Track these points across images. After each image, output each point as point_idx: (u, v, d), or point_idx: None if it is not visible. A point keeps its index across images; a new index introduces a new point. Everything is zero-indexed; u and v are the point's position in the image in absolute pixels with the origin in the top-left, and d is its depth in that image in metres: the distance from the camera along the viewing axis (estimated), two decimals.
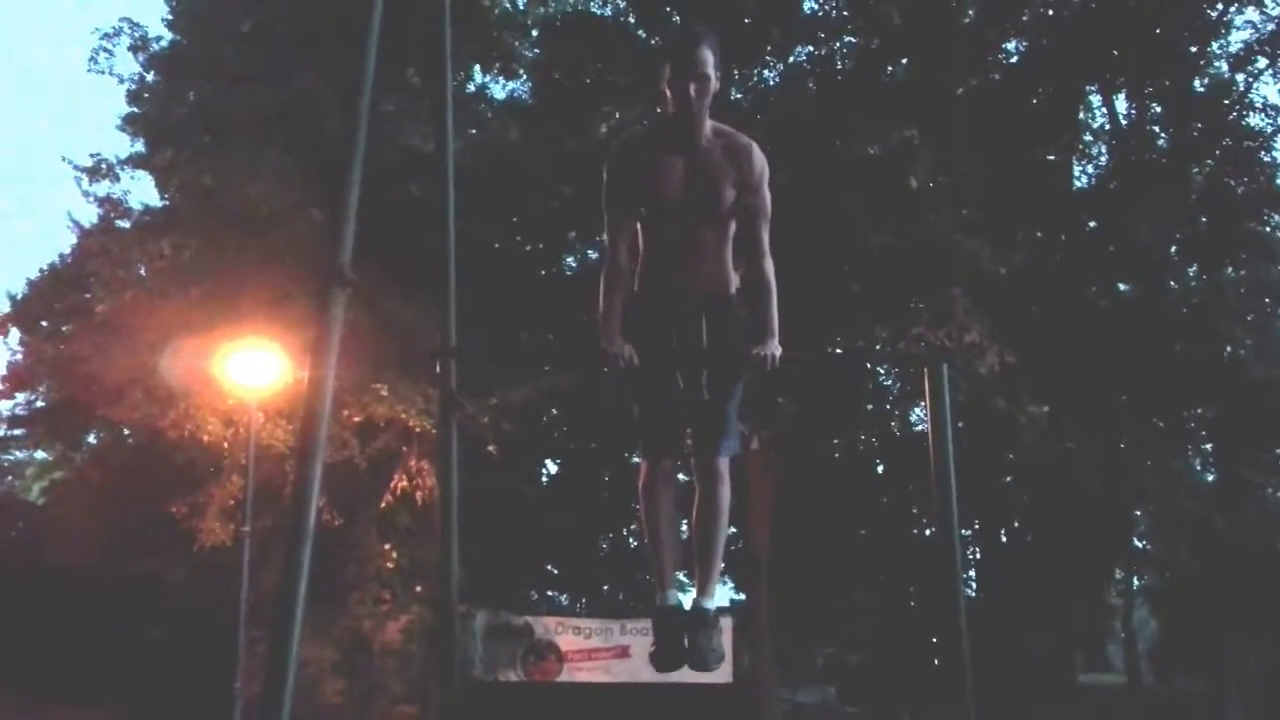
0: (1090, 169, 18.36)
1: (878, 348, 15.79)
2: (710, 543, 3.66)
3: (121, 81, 16.55)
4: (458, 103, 13.84)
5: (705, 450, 3.68)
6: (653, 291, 3.64)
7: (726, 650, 3.57)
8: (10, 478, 28.08)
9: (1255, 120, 16.58)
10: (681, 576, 3.94)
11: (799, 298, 13.68)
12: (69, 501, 21.52)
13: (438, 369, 4.31)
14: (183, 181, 14.36)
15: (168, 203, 15.88)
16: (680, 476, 3.89)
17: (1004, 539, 21.62)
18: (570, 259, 19.58)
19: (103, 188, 15.73)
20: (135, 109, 16.80)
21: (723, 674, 12.22)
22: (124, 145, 19.21)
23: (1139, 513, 16.39)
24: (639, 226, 3.67)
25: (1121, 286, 17.40)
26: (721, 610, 3.98)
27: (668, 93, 3.48)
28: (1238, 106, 16.58)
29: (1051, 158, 17.28)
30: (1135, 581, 27.72)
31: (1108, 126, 17.90)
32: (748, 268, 3.72)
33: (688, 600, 3.68)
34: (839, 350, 18.14)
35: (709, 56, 3.44)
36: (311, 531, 3.24)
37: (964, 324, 11.72)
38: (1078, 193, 17.54)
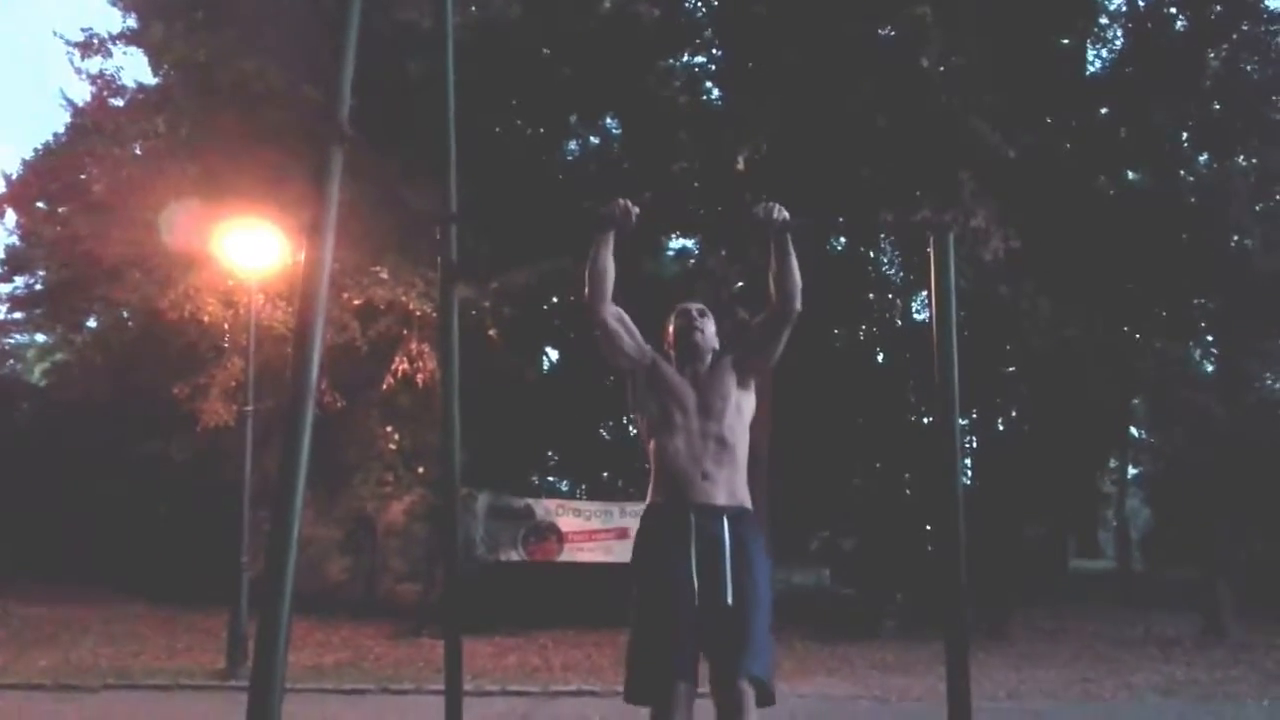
0: (1105, 53, 17.95)
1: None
2: None
3: None
4: None
5: (729, 670, 3.16)
6: (669, 501, 3.44)
7: None
8: (12, 361, 28.21)
9: (1275, 2, 16.20)
10: None
11: (806, 181, 13.56)
12: (72, 384, 21.66)
13: (438, 235, 4.23)
14: (176, 57, 14.05)
15: (161, 80, 15.57)
16: None
17: (1001, 428, 21.81)
18: (572, 143, 19.32)
19: (95, 64, 15.39)
20: None
21: None
22: (116, 21, 18.79)
23: (1136, 401, 16.45)
24: (651, 437, 3.59)
25: (1131, 175, 17.17)
26: None
27: (671, 339, 3.70)
28: None
29: (1066, 41, 16.87)
30: (1130, 470, 28.12)
31: (1125, 9, 17.45)
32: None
33: None
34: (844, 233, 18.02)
35: (699, 307, 3.78)
36: (311, 409, 3.23)
37: (970, 208, 11.60)
38: (1091, 78, 17.17)
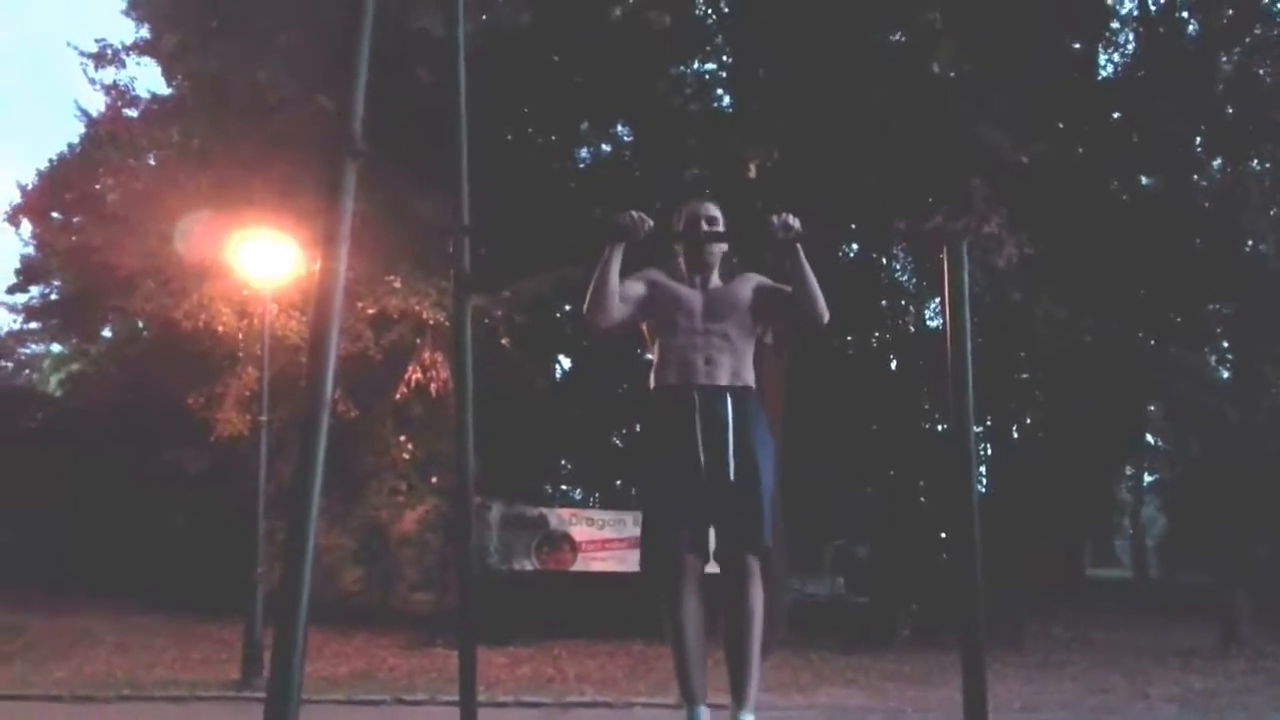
0: (1117, 58, 17.90)
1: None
2: (744, 650, 3.37)
3: None
4: None
5: (736, 543, 3.39)
6: (672, 383, 3.51)
7: None
8: (28, 371, 28.36)
9: None
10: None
11: (818, 188, 13.53)
12: (87, 394, 21.77)
13: (451, 248, 4.22)
14: (190, 68, 14.13)
15: (174, 90, 15.67)
16: None
17: (1015, 436, 21.72)
18: (583, 151, 19.36)
19: (109, 75, 15.49)
20: None
21: None
22: (129, 32, 18.90)
23: (1152, 408, 16.35)
24: (656, 339, 3.62)
25: (1144, 179, 17.10)
26: None
27: (680, 247, 3.72)
28: None
29: (1077, 46, 16.82)
30: (1145, 478, 27.96)
31: (1136, 13, 17.38)
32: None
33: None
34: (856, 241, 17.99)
35: (715, 209, 3.75)
36: (326, 420, 3.22)
37: (983, 215, 11.56)
38: (1102, 82, 17.12)
